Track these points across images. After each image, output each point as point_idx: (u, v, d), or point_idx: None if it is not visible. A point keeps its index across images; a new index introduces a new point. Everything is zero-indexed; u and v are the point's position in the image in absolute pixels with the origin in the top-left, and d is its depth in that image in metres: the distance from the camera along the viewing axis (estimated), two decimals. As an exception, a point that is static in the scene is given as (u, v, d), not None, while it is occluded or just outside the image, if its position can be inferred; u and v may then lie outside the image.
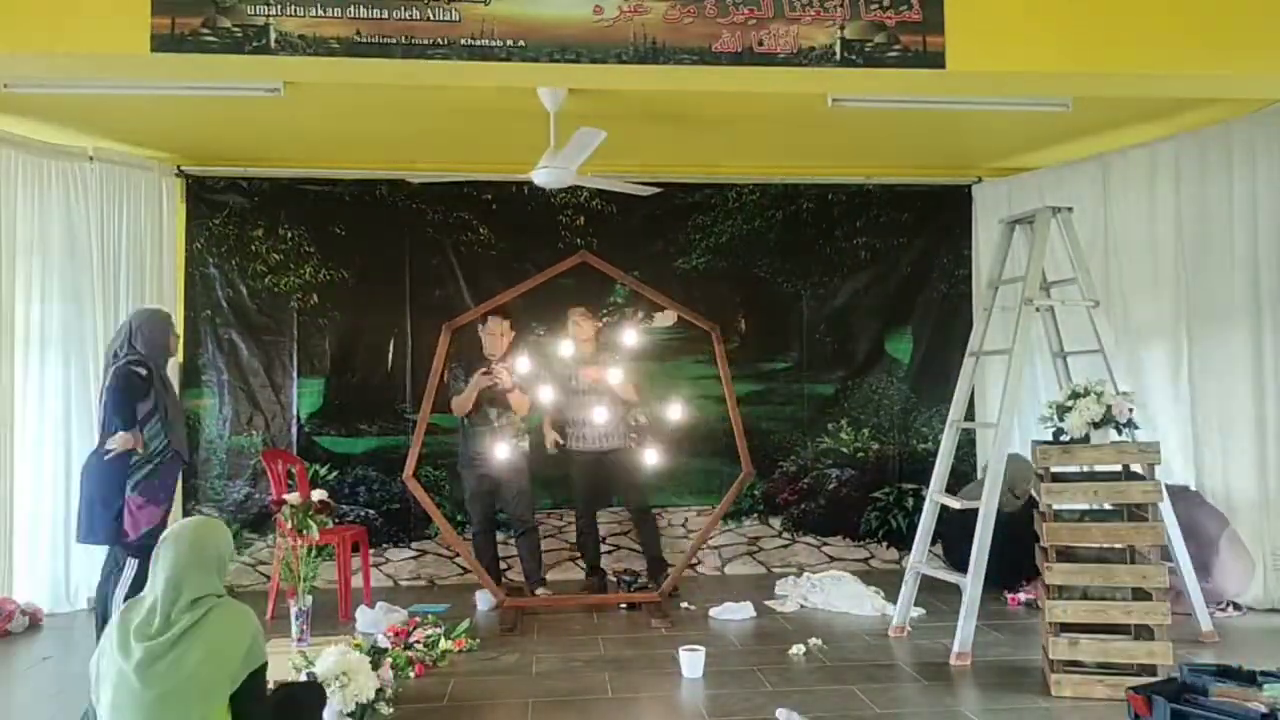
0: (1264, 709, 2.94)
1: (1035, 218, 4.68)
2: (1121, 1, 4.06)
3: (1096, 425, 3.75)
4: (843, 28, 3.97)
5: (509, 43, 3.83)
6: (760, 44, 3.93)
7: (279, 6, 3.73)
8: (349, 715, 3.18)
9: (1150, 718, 3.05)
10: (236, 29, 3.72)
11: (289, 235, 6.17)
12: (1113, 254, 5.84)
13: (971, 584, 4.20)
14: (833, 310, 6.57)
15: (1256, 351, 5.10)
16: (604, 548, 6.23)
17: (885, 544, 6.45)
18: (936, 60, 3.99)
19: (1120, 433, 3.76)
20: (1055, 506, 3.79)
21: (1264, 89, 4.52)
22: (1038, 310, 4.71)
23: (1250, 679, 3.17)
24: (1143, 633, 3.66)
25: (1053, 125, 5.53)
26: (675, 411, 5.58)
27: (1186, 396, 5.44)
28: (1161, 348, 5.59)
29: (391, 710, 3.24)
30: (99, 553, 5.44)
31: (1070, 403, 3.80)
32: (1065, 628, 3.70)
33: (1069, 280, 4.79)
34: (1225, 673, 3.22)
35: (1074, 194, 6.05)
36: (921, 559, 4.70)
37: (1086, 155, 5.99)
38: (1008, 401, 4.40)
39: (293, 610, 3.63)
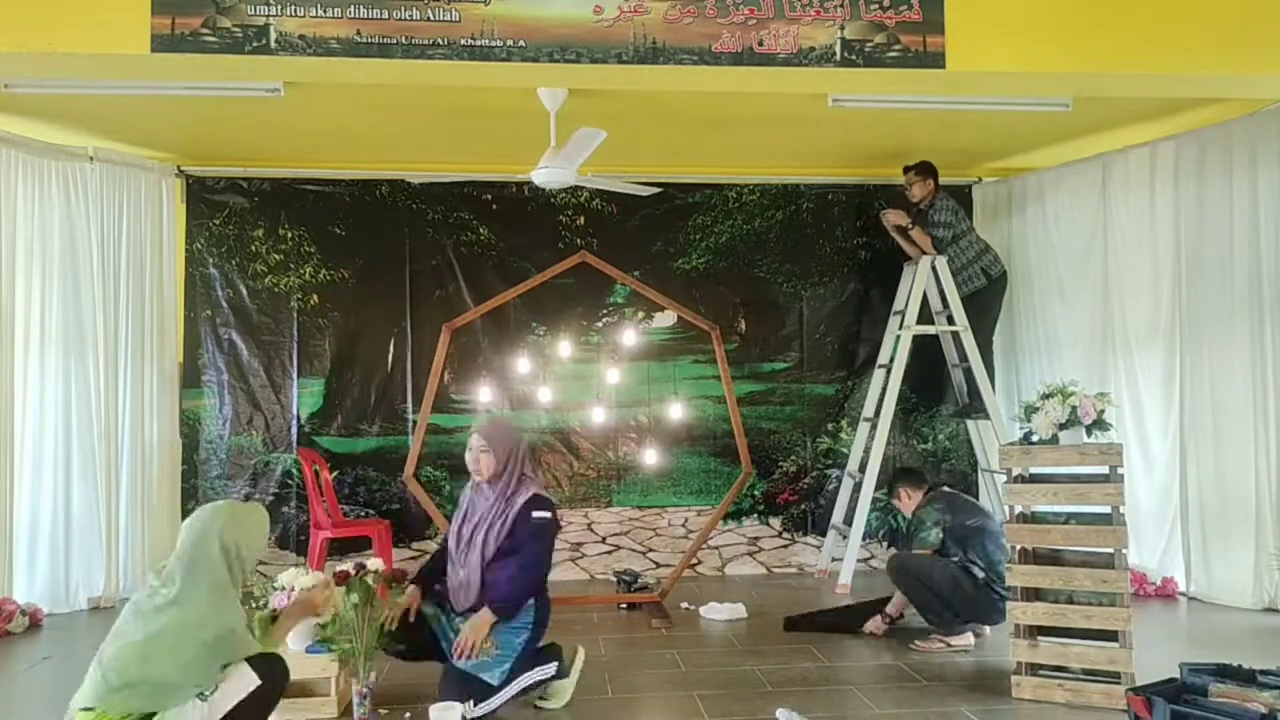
0: (1264, 709, 2.94)
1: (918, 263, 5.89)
2: (1122, 1, 4.06)
3: (1063, 426, 3.73)
4: (843, 28, 3.97)
5: (509, 43, 3.84)
6: (760, 44, 3.93)
7: (279, 6, 3.74)
8: (321, 626, 3.39)
9: (1150, 719, 3.05)
10: (236, 29, 3.73)
11: (289, 235, 6.17)
12: (1112, 254, 5.85)
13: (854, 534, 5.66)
14: (833, 310, 6.58)
15: (1256, 351, 5.10)
16: (604, 548, 6.25)
17: (885, 544, 6.45)
18: (936, 60, 3.99)
19: (1089, 434, 3.74)
20: (1035, 509, 3.78)
21: (1265, 89, 4.52)
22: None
23: (1250, 679, 3.16)
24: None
25: (1053, 125, 5.53)
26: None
27: (1184, 396, 5.45)
28: (1160, 347, 5.60)
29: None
30: (97, 553, 5.48)
31: (1039, 404, 3.79)
32: (1040, 630, 3.69)
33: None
34: (1225, 673, 3.21)
35: (1074, 194, 6.08)
36: (839, 522, 6.18)
37: (1086, 155, 5.99)
38: (885, 407, 5.81)
39: (355, 690, 3.50)
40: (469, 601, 3.51)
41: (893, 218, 6.10)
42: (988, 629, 4.51)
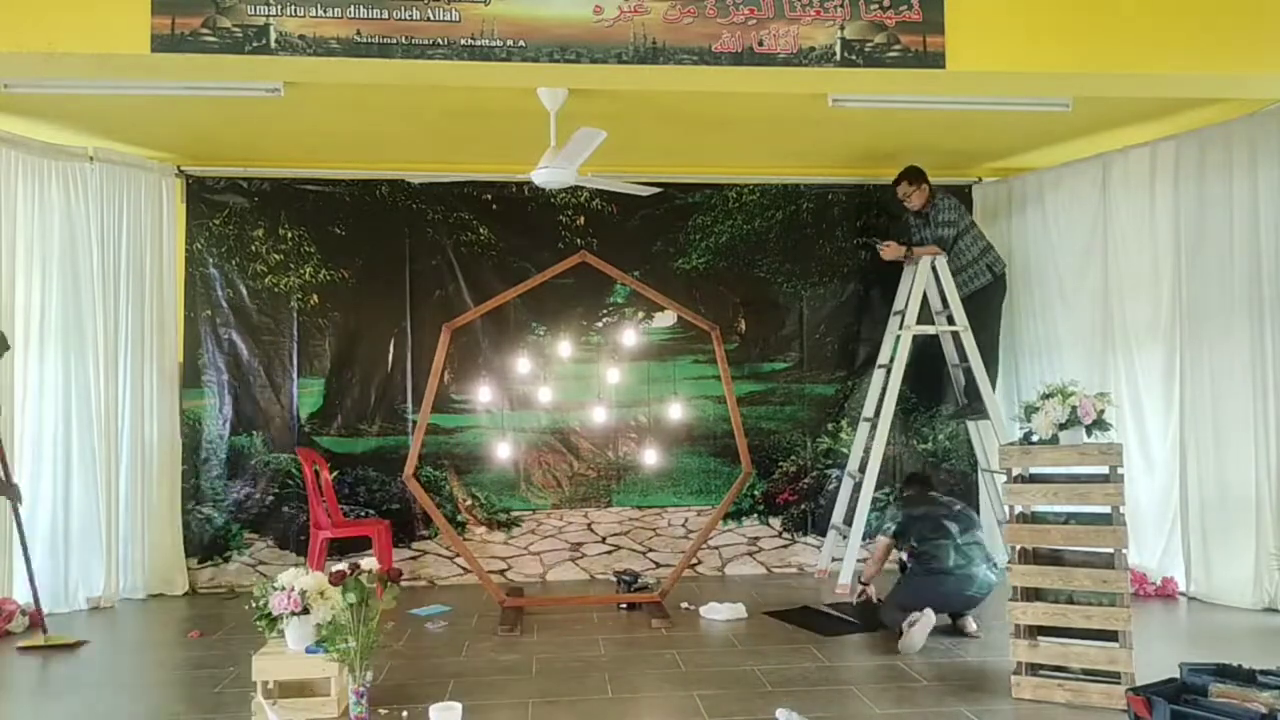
0: (1264, 709, 2.94)
1: (918, 261, 5.91)
2: (1122, 1, 4.06)
3: (1063, 426, 3.73)
4: (843, 28, 3.97)
5: (509, 43, 3.84)
6: (760, 44, 3.93)
7: (279, 6, 3.74)
8: (318, 626, 3.44)
9: (1150, 719, 3.05)
10: (236, 29, 3.73)
11: (289, 235, 6.17)
12: (1112, 254, 5.85)
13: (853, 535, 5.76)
14: (833, 310, 6.58)
15: (1256, 351, 5.10)
16: (604, 548, 6.26)
17: (885, 544, 6.45)
18: (936, 60, 3.99)
19: (1089, 434, 3.74)
20: (1035, 509, 3.78)
21: (1265, 89, 4.52)
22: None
23: (1250, 679, 3.16)
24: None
25: (1053, 125, 5.53)
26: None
27: (1184, 395, 5.45)
28: (1160, 347, 5.60)
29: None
30: (97, 553, 5.47)
31: (1039, 403, 3.79)
32: (1041, 630, 3.69)
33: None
34: (1225, 673, 3.21)
35: (1074, 194, 6.08)
36: (839, 522, 6.22)
37: (1086, 155, 5.99)
38: (885, 407, 5.83)
39: (350, 689, 3.49)
40: None
41: (889, 253, 5.99)
42: (972, 623, 4.58)
